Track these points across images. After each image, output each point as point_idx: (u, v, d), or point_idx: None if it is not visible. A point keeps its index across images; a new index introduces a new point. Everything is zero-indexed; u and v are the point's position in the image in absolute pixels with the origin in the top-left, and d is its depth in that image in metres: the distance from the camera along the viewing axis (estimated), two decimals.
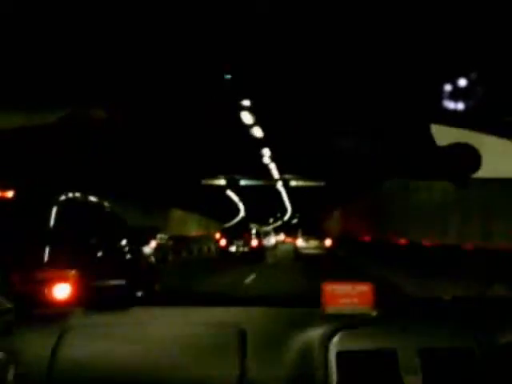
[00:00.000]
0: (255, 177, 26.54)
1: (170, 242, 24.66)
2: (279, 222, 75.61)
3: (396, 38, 6.90)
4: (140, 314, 1.80)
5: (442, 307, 1.80)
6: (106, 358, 1.61)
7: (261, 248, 24.97)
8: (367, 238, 22.28)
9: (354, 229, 27.68)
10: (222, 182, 24.93)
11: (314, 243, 23.66)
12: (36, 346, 1.65)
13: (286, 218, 70.39)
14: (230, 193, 43.80)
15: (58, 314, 1.81)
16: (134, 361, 1.60)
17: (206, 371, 1.57)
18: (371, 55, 8.15)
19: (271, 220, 74.51)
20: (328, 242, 23.94)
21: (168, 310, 1.83)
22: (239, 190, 37.22)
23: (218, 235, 26.14)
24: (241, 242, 23.73)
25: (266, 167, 26.42)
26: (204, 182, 24.74)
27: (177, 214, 35.64)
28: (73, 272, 3.86)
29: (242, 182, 25.53)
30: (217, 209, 44.32)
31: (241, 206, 56.15)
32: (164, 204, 32.46)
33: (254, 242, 24.42)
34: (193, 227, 41.63)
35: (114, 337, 1.68)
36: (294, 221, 64.51)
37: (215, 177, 25.06)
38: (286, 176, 29.20)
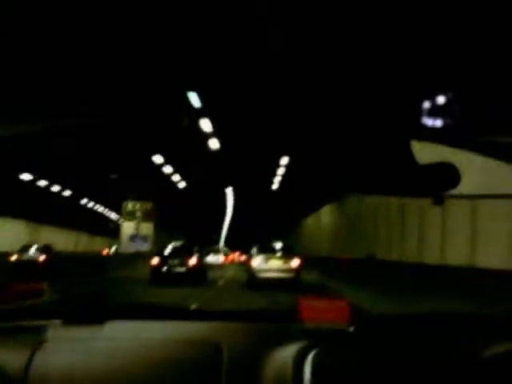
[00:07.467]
0: None
1: None
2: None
3: (377, 56, 7.02)
4: (116, 328, 1.77)
5: (419, 322, 1.80)
6: (82, 373, 1.58)
7: (201, 268, 21.23)
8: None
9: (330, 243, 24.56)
10: None
11: (276, 263, 18.39)
12: (10, 358, 1.60)
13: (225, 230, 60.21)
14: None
15: (35, 326, 1.77)
16: (109, 376, 1.57)
17: None
18: (352, 72, 8.28)
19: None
20: (295, 263, 18.46)
21: (143, 324, 1.79)
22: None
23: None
24: (176, 261, 20.24)
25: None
26: None
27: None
28: None
29: None
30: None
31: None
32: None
33: (193, 261, 20.53)
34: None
35: (91, 351, 1.65)
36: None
37: None
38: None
